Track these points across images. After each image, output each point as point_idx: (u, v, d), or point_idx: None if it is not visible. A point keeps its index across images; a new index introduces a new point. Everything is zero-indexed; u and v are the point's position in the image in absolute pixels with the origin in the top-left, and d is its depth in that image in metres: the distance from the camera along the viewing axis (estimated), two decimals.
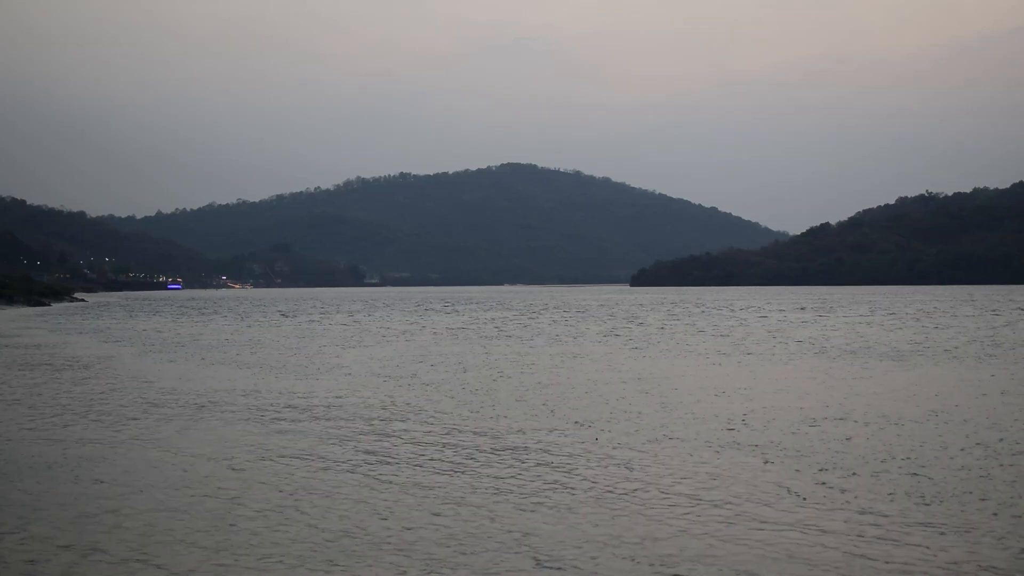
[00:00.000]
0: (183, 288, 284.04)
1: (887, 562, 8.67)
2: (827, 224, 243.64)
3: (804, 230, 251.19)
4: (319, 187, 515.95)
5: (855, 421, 16.51)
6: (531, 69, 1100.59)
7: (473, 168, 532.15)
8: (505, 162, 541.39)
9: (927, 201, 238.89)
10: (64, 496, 11.61)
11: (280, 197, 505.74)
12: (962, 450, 13.73)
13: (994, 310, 62.65)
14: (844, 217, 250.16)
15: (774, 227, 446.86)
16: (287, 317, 70.28)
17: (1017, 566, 8.56)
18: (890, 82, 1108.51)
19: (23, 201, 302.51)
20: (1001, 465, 12.64)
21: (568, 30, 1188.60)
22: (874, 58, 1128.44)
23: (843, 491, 11.30)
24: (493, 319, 61.37)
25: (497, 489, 11.68)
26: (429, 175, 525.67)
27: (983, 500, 10.80)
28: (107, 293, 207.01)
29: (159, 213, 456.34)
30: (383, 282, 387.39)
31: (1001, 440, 14.44)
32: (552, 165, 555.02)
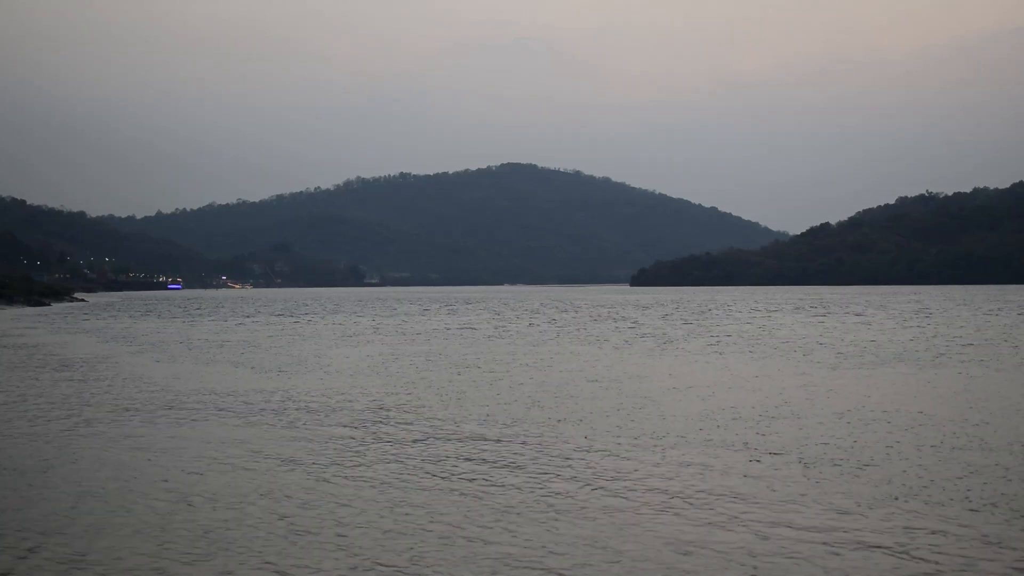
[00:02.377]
0: (183, 288, 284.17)
1: (863, 557, 8.83)
2: (827, 224, 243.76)
3: (804, 230, 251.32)
4: (319, 187, 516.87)
5: (833, 419, 16.68)
6: (531, 69, 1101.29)
7: (473, 168, 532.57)
8: (505, 162, 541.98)
9: (927, 201, 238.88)
10: (55, 495, 11.76)
11: (280, 197, 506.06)
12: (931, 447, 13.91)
13: (987, 311, 62.80)
14: (844, 217, 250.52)
15: (774, 227, 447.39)
16: (283, 317, 70.44)
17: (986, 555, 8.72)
18: (890, 82, 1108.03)
19: (23, 201, 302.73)
20: (945, 460, 12.81)
21: (568, 30, 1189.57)
22: (874, 58, 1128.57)
23: (826, 486, 11.47)
24: (485, 319, 61.52)
25: (477, 490, 11.83)
26: (429, 175, 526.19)
27: (934, 493, 10.96)
28: (107, 293, 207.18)
29: (159, 213, 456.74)
30: (383, 282, 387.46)
31: (945, 436, 14.62)
32: (552, 165, 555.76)
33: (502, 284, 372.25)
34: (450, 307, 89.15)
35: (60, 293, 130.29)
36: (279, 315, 75.00)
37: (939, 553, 8.94)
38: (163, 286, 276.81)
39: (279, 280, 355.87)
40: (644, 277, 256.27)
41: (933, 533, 9.57)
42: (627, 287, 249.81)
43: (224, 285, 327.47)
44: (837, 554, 8.94)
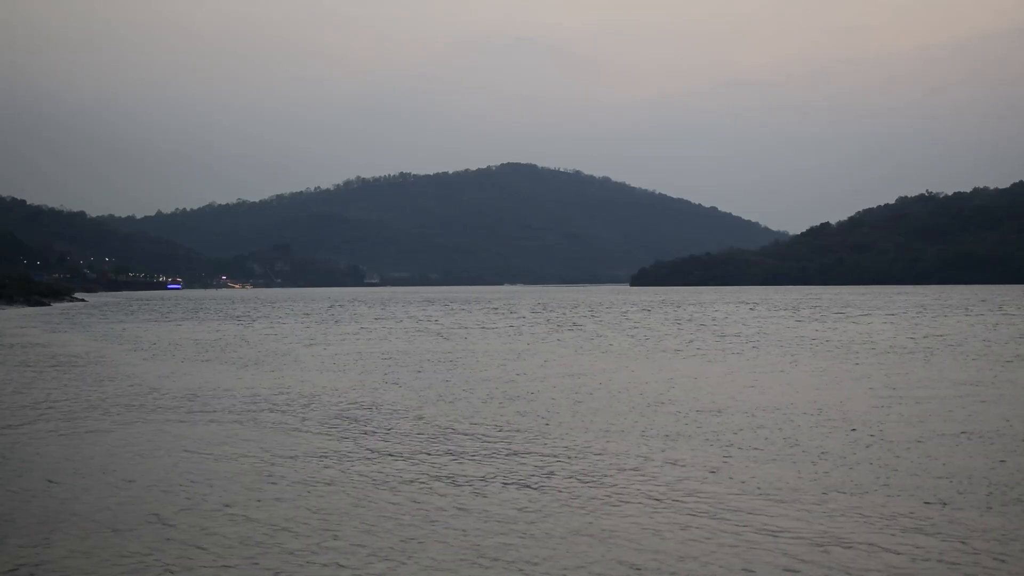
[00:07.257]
0: (183, 288, 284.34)
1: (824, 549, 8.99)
2: (827, 224, 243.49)
3: (804, 230, 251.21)
4: (319, 187, 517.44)
5: (773, 412, 16.88)
6: (531, 68, 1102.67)
7: (473, 168, 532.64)
8: (505, 162, 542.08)
9: (927, 201, 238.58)
10: (45, 494, 11.92)
11: (280, 197, 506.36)
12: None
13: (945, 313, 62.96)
14: (844, 217, 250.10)
15: (774, 227, 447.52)
16: (279, 317, 70.71)
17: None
18: (890, 81, 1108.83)
19: (23, 201, 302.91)
20: (876, 448, 13.01)
21: (568, 29, 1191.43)
22: (874, 58, 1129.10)
23: (800, 475, 11.66)
24: (476, 319, 61.73)
25: (453, 479, 12.00)
26: (429, 175, 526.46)
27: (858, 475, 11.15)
28: (107, 293, 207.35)
29: (159, 213, 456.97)
30: (383, 282, 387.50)
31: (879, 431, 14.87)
32: (552, 165, 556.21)
33: (502, 284, 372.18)
34: (440, 307, 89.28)
35: (60, 293, 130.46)
36: (277, 316, 75.21)
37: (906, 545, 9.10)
38: (163, 286, 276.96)
39: (279, 280, 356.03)
40: (644, 277, 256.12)
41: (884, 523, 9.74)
42: (627, 287, 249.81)
43: (224, 285, 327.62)
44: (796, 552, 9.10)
